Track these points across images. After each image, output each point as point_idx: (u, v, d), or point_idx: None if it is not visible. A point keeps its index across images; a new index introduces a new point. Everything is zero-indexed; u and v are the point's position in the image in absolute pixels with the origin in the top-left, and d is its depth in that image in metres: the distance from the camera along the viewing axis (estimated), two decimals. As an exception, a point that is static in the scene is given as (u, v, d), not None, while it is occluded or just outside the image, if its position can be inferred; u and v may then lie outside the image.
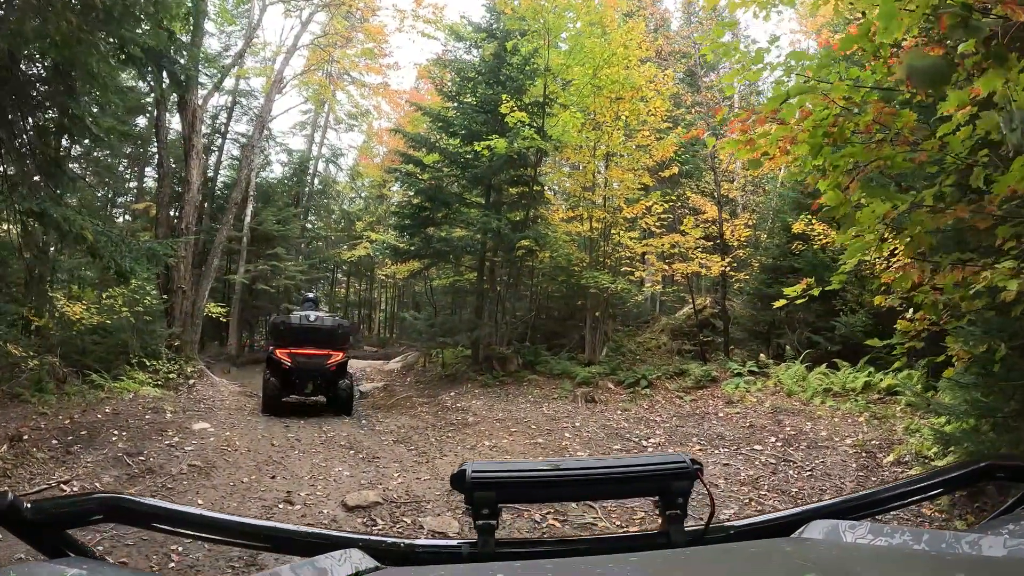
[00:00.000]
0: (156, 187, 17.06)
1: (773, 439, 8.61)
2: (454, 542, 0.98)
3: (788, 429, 9.18)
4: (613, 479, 0.99)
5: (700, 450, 8.14)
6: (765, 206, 20.87)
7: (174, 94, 16.16)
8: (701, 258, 15.76)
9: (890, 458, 7.47)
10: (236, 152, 27.02)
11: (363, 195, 33.59)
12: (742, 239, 17.02)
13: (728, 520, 1.06)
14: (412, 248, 14.85)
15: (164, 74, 15.12)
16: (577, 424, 9.76)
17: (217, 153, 25.39)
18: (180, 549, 4.07)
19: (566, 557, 0.95)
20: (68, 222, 8.13)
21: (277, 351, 9.88)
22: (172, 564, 3.87)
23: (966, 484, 1.21)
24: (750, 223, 17.76)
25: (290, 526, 0.99)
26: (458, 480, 0.94)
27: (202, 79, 16.91)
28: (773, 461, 7.56)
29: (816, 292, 4.42)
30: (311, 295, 11.87)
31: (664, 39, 23.41)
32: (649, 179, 16.31)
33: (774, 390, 12.14)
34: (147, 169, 23.00)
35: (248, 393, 13.89)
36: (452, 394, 12.41)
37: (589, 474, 1.00)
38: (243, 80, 25.67)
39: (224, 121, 25.72)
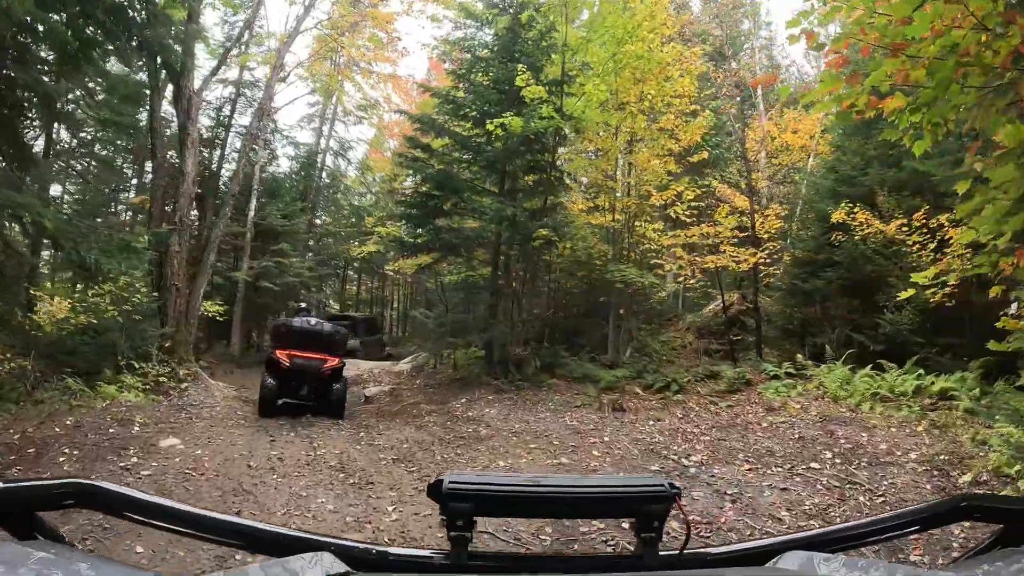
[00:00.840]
0: (151, 180, 16.02)
1: (829, 454, 7.54)
2: (426, 552, 0.98)
3: (843, 442, 8.09)
4: (590, 499, 0.99)
5: (750, 469, 6.98)
6: (796, 196, 19.66)
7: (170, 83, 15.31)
8: (731, 251, 14.55)
9: (967, 477, 6.52)
10: (239, 145, 26.03)
11: (374, 190, 32.53)
12: (772, 231, 15.76)
13: (703, 547, 1.08)
14: (420, 241, 13.67)
15: (158, 60, 14.29)
16: (606, 438, 8.57)
17: (221, 147, 24.38)
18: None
19: (539, 573, 0.98)
20: (23, 208, 7.09)
21: (277, 352, 10.27)
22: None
23: (943, 522, 1.13)
24: (781, 214, 16.50)
25: (263, 525, 0.98)
26: (434, 490, 0.92)
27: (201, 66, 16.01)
28: (836, 483, 6.48)
29: (953, 279, 3.22)
30: (304, 305, 12.51)
31: (687, 20, 22.19)
32: (675, 165, 15.11)
33: (817, 395, 11.13)
34: (148, 164, 21.99)
35: (243, 398, 12.84)
36: (463, 401, 11.25)
37: (566, 493, 0.98)
38: (247, 72, 24.70)
39: (228, 114, 24.76)
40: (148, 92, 15.48)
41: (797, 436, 8.53)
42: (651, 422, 9.88)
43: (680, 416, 10.43)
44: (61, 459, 6.22)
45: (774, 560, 0.96)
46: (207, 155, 24.01)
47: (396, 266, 23.83)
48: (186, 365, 13.97)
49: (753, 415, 10.37)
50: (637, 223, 15.02)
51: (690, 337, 17.95)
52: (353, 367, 17.99)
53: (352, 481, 6.20)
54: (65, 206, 18.07)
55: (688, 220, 14.95)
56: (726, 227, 14.54)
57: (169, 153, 16.56)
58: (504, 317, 13.04)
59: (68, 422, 8.02)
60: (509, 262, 13.84)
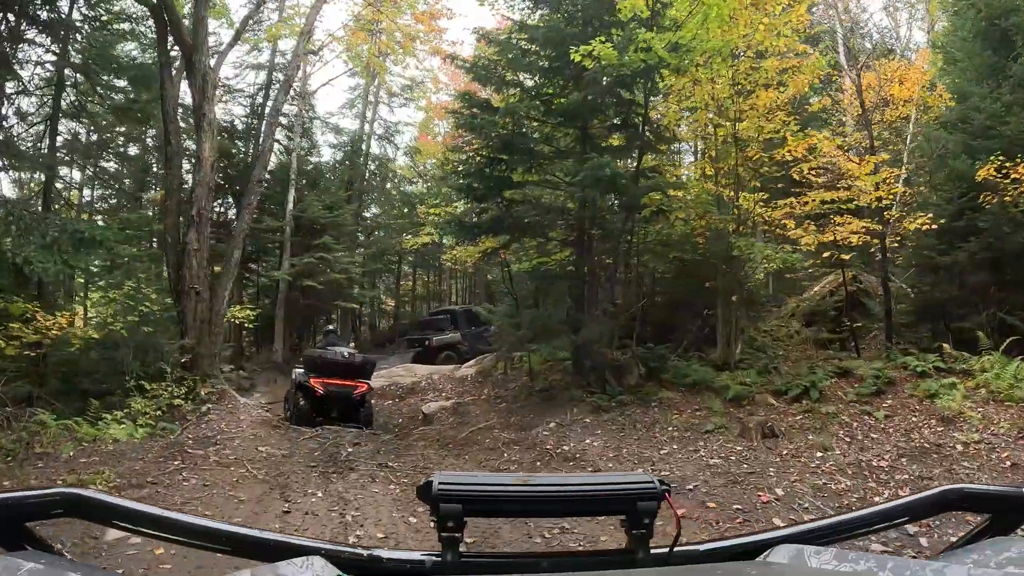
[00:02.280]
0: (165, 170, 13.81)
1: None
2: (417, 555, 0.96)
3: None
4: (580, 498, 0.99)
5: None
6: (923, 151, 16.28)
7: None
8: (847, 221, 11.61)
9: None
10: (277, 135, 23.92)
11: (425, 176, 30.13)
12: (891, 196, 12.55)
13: (694, 542, 1.03)
14: (484, 220, 10.92)
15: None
16: (779, 491, 5.74)
17: (255, 138, 22.20)
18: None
19: (530, 573, 0.97)
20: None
21: (312, 380, 10.80)
22: None
23: (932, 513, 1.13)
24: (901, 176, 13.38)
25: (253, 531, 0.97)
26: (424, 491, 0.92)
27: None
28: None
29: None
30: (331, 327, 13.20)
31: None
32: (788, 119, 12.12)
33: (985, 396, 8.67)
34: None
35: (274, 422, 10.47)
36: (551, 425, 8.54)
37: (556, 492, 0.99)
38: (280, 55, 22.55)
39: (261, 103, 22.64)
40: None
41: (1010, 464, 6.54)
42: (818, 453, 7.11)
43: (847, 439, 7.70)
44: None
45: (764, 554, 0.95)
46: (242, 147, 22.00)
47: (454, 255, 21.20)
48: (210, 382, 11.70)
49: (930, 431, 7.92)
50: (747, 185, 12.07)
51: (795, 324, 15.10)
52: (409, 374, 15.55)
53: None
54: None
55: (816, 180, 12.00)
56: (867, 182, 11.48)
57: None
58: (592, 311, 10.24)
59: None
60: (592, 243, 11.02)
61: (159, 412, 9.85)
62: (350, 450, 8.26)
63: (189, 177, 14.71)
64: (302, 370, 11.37)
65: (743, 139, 12.01)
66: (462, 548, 0.92)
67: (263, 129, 16.03)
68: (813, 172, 11.62)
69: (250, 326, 15.09)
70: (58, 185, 16.91)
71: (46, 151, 14.06)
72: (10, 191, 16.64)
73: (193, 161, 13.06)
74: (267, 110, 21.66)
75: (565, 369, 10.52)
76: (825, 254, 12.20)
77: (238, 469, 7.05)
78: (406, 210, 29.00)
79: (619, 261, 10.91)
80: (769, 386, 10.05)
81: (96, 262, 9.99)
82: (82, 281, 18.47)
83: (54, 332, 10.33)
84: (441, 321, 20.70)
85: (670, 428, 8.19)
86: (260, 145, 15.50)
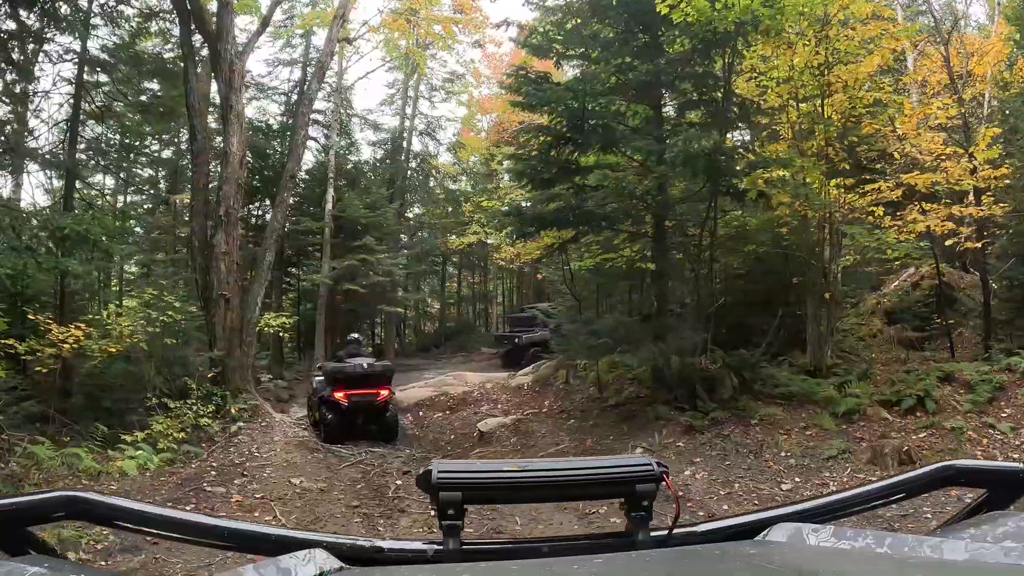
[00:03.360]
0: (191, 168, 12.83)
1: None
2: (419, 544, 0.97)
3: None
4: (579, 482, 1.00)
5: None
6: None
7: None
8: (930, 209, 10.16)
9: None
10: (314, 133, 22.98)
11: (469, 173, 28.94)
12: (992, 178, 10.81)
13: (693, 523, 1.04)
14: (547, 212, 9.37)
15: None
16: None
17: (300, 149, 21.16)
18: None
19: (530, 558, 0.97)
20: None
21: (335, 393, 10.48)
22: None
23: (929, 488, 1.13)
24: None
25: (254, 526, 0.99)
26: (424, 480, 0.93)
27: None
28: None
29: None
30: (355, 335, 13.00)
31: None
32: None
33: None
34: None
35: (311, 443, 9.29)
36: (638, 450, 7.10)
37: (555, 477, 1.01)
38: (315, 51, 21.52)
39: (296, 101, 21.58)
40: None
41: None
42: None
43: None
44: None
45: (763, 533, 0.96)
46: (277, 147, 21.04)
47: (507, 255, 19.78)
48: (242, 397, 10.65)
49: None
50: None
51: (877, 323, 13.52)
52: (459, 382, 14.26)
53: None
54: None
55: (927, 159, 10.57)
56: (978, 162, 9.92)
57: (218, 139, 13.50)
58: (667, 313, 8.77)
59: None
60: (667, 235, 9.55)
61: (183, 433, 8.79)
62: (399, 482, 6.97)
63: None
64: (321, 379, 11.23)
65: (835, 114, 10.48)
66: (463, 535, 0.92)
67: (296, 120, 14.91)
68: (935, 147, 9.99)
69: (285, 335, 13.90)
70: (91, 192, 16.30)
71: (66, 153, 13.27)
72: (43, 199, 15.93)
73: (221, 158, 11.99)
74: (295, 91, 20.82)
75: (640, 380, 9.06)
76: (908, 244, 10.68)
77: (264, 514, 5.81)
78: (450, 208, 27.90)
79: (700, 255, 9.36)
80: (877, 395, 8.56)
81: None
82: (116, 289, 17.95)
83: (67, 346, 9.36)
84: (528, 319, 19.58)
85: (783, 454, 6.76)
86: (292, 137, 14.36)
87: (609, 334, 8.49)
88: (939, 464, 1.06)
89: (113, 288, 17.25)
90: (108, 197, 19.87)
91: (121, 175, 16.76)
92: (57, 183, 16.29)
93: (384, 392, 10.92)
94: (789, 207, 9.40)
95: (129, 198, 20.98)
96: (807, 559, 0.88)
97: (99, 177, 19.90)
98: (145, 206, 21.11)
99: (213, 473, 7.41)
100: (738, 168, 8.05)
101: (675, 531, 0.97)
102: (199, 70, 12.84)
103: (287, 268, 21.64)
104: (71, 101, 13.12)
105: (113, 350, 9.48)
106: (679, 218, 10.08)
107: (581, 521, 5.41)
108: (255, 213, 20.80)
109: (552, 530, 5.18)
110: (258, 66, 27.80)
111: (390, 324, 24.87)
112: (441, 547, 0.92)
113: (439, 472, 0.92)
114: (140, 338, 9.50)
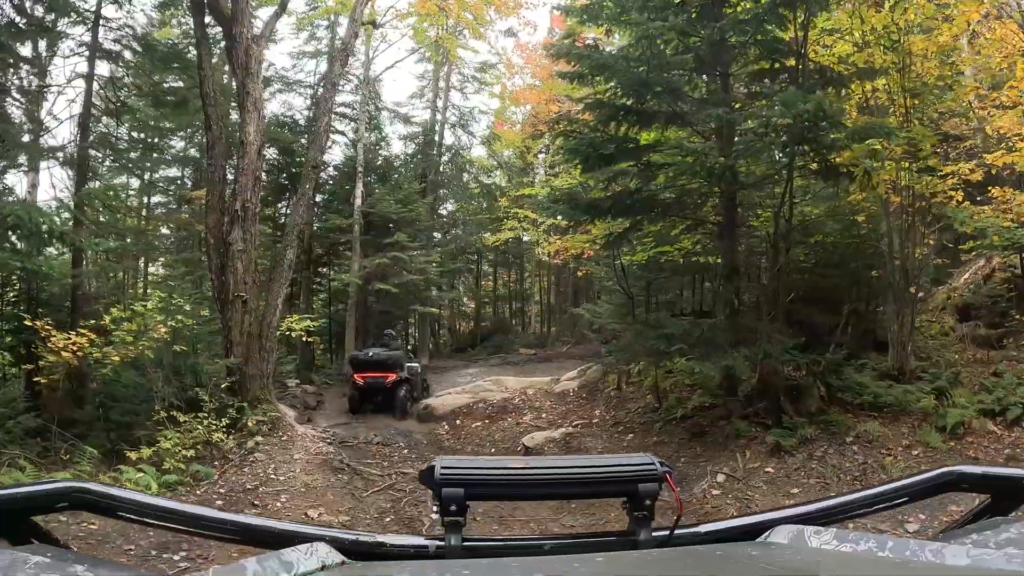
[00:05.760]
0: (206, 159, 11.97)
1: None
2: (421, 539, 0.98)
3: None
4: (581, 481, 0.99)
5: None
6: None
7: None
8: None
9: None
10: (342, 127, 22.13)
11: (505, 166, 27.91)
12: None
13: (695, 523, 1.04)
14: (605, 198, 8.07)
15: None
16: None
17: (324, 137, 20.31)
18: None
19: (532, 555, 0.97)
20: None
21: (355, 375, 13.21)
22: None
23: (932, 493, 1.10)
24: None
25: (257, 519, 1.00)
26: (427, 476, 0.93)
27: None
28: None
29: None
30: (389, 331, 15.47)
31: None
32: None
33: None
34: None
35: (336, 462, 8.28)
36: (720, 477, 5.97)
37: (558, 475, 1.00)
38: (340, 42, 20.57)
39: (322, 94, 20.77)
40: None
41: None
42: None
43: None
44: None
45: (765, 535, 0.96)
46: (304, 143, 20.21)
47: (553, 248, 18.53)
48: (261, 408, 9.67)
49: None
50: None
51: (949, 320, 12.16)
52: (498, 388, 13.19)
53: None
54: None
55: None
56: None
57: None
58: (764, 317, 7.53)
59: None
60: (736, 222, 8.29)
61: (194, 451, 7.88)
62: (435, 514, 5.89)
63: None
64: (348, 367, 13.72)
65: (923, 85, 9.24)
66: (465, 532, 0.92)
67: (319, 106, 14.01)
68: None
69: (308, 340, 13.29)
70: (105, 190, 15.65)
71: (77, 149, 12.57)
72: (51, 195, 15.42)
73: (237, 147, 11.07)
74: (322, 84, 19.92)
75: (706, 388, 7.83)
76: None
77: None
78: (485, 204, 26.84)
79: (777, 244, 8.06)
80: (980, 404, 7.31)
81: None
82: (139, 292, 17.29)
83: (67, 354, 8.55)
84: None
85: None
86: (315, 124, 13.44)
87: (681, 338, 7.20)
88: (942, 469, 1.04)
89: (136, 291, 16.65)
90: (132, 198, 19.38)
91: (138, 172, 16.02)
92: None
93: (391, 376, 13.01)
94: (873, 190, 8.08)
95: (155, 199, 20.47)
96: (809, 561, 0.86)
97: (123, 179, 19.61)
98: (171, 207, 20.55)
99: (219, 502, 6.42)
100: (834, 138, 6.75)
101: (677, 531, 0.96)
102: (215, 60, 12.11)
103: (317, 268, 20.84)
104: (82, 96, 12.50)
105: (118, 358, 8.64)
106: (752, 203, 8.87)
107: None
108: (283, 212, 20.01)
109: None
110: (282, 59, 27.12)
111: (424, 325, 23.96)
112: (443, 543, 0.91)
113: (442, 468, 0.91)
114: (146, 344, 8.59)
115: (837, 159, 7.19)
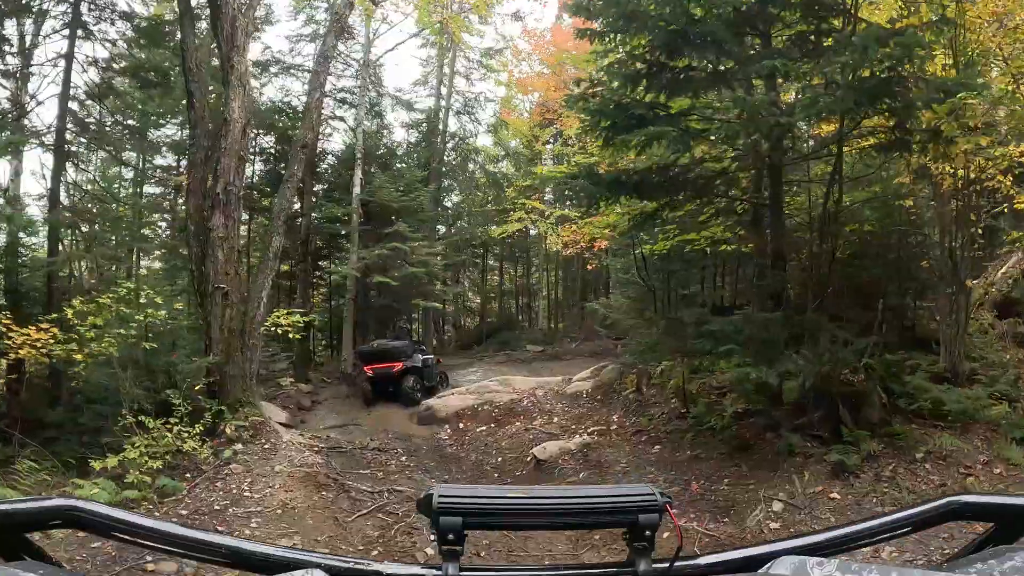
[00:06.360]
0: (188, 141, 11.08)
1: None
2: (418, 568, 0.94)
3: None
4: (581, 511, 0.97)
5: None
6: None
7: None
8: None
9: None
10: (341, 113, 21.25)
11: (512, 154, 26.97)
12: None
13: (696, 555, 0.99)
14: (632, 174, 6.98)
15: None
16: None
17: (315, 114, 19.40)
18: None
19: None
20: None
21: (365, 367, 14.15)
22: None
23: (936, 523, 1.07)
24: None
25: (253, 544, 0.95)
26: (425, 505, 0.91)
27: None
28: None
29: None
30: (404, 325, 17.08)
31: None
32: None
33: None
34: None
35: (322, 477, 7.33)
36: (776, 506, 4.97)
37: (557, 505, 0.98)
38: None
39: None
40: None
41: None
42: None
43: None
44: None
45: (767, 566, 0.93)
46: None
47: (566, 236, 17.53)
48: (242, 412, 8.74)
49: None
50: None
51: (987, 316, 11.22)
52: (506, 389, 12.26)
53: None
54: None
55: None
56: None
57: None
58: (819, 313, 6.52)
59: None
60: (782, 203, 7.30)
61: (161, 461, 6.97)
62: (430, 549, 4.94)
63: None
64: (358, 361, 14.57)
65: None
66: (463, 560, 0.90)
67: (311, 80, 13.09)
68: None
69: (298, 336, 11.88)
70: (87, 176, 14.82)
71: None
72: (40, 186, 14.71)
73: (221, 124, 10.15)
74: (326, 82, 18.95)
75: (748, 395, 6.82)
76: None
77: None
78: (491, 197, 25.89)
79: (825, 227, 7.06)
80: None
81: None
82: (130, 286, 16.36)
83: (25, 350, 7.66)
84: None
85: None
86: (307, 99, 12.51)
87: (732, 336, 6.14)
88: (946, 498, 1.03)
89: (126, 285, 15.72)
90: (125, 187, 18.51)
91: (121, 156, 15.12)
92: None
93: (398, 365, 13.79)
94: (951, 161, 7.05)
95: (150, 189, 19.57)
96: None
97: (116, 169, 18.74)
98: (168, 196, 19.66)
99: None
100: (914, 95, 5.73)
101: (677, 563, 0.94)
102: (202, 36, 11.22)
103: (316, 261, 19.92)
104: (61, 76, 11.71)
105: (80, 356, 7.74)
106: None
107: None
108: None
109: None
110: (280, 42, 26.25)
111: (427, 320, 23.04)
112: (440, 572, 0.88)
113: (440, 496, 0.89)
114: (111, 341, 7.67)
115: (911, 126, 6.16)
